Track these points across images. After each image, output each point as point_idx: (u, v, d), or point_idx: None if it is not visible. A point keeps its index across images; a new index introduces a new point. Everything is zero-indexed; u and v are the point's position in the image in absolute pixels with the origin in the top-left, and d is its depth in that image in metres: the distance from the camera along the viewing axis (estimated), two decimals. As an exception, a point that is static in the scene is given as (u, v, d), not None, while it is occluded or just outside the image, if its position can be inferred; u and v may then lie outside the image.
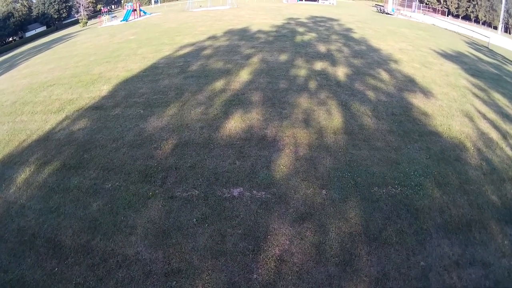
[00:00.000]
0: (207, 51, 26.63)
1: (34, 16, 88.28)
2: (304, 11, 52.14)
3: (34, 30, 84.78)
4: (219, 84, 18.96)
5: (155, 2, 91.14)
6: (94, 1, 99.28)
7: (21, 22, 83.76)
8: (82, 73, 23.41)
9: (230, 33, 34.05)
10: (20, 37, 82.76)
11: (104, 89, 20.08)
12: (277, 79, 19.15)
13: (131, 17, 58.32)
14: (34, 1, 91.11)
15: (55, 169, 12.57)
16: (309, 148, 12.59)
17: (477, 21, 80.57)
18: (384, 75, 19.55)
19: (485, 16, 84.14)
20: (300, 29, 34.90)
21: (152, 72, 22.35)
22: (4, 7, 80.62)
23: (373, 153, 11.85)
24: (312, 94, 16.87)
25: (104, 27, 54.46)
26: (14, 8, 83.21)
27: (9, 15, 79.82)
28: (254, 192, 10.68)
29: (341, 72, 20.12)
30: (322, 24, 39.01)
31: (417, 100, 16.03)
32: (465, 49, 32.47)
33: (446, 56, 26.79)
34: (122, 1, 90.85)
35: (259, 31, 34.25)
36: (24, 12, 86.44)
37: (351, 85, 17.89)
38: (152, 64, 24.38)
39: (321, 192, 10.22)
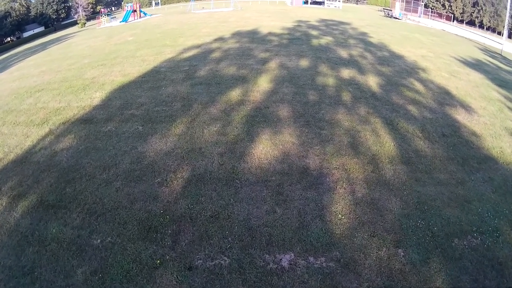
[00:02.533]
0: (216, 54, 23.42)
1: (32, 16, 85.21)
2: (312, 14, 49.51)
3: (32, 31, 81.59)
4: (234, 94, 15.71)
5: (155, 4, 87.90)
6: (94, 2, 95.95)
7: (18, 22, 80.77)
8: (74, 77, 20.82)
9: (238, 35, 31.01)
10: (17, 38, 79.63)
11: (96, 96, 16.86)
12: (304, 89, 16.21)
13: (130, 18, 55.09)
14: (33, 1, 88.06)
15: (31, 207, 9.38)
16: (367, 185, 9.70)
17: (481, 26, 78.89)
18: (418, 86, 17.75)
19: (489, 22, 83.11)
20: (314, 32, 32.18)
21: (153, 78, 19.03)
22: (2, 6, 77.56)
23: (440, 190, 9.74)
24: (350, 109, 14.21)
25: (103, 28, 51.72)
26: (11, 7, 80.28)
27: (6, 15, 76.75)
28: (311, 259, 7.43)
29: (372, 81, 17.74)
30: (334, 27, 36.46)
31: (461, 117, 14.47)
32: (482, 56, 31.22)
33: (468, 64, 25.35)
34: (122, 3, 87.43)
35: (270, 34, 31.19)
36: (22, 12, 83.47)
37: (389, 98, 15.63)
38: (152, 68, 21.14)
39: (397, 252, 7.64)
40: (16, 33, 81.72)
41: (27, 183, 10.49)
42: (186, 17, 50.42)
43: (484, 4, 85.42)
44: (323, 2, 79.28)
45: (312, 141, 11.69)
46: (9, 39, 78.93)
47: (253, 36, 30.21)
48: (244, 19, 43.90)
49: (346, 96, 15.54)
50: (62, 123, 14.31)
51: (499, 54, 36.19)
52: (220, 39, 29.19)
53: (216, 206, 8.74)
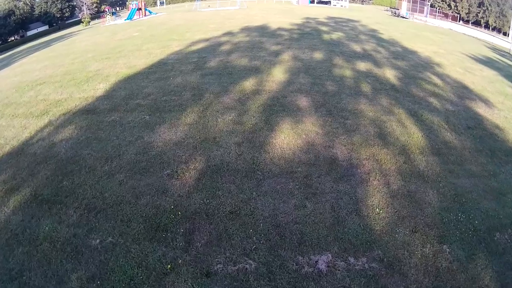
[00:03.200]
0: (225, 47, 22.33)
1: (36, 15, 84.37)
2: (319, 12, 48.89)
3: (35, 29, 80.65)
4: (248, 84, 14.56)
5: (160, 3, 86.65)
6: (98, 2, 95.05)
7: (22, 20, 79.94)
8: (77, 70, 19.54)
9: (247, 30, 29.99)
10: (21, 36, 78.81)
11: (100, 88, 15.69)
12: (321, 80, 15.17)
13: (135, 16, 54.04)
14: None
15: (23, 202, 8.18)
16: (401, 177, 8.71)
17: (487, 26, 77.95)
18: (436, 80, 17.27)
19: (495, 22, 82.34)
20: (324, 28, 31.31)
21: (160, 69, 17.84)
22: (6, 4, 76.71)
23: (474, 182, 9.14)
24: (371, 100, 13.34)
25: (107, 26, 50.76)
26: (15, 6, 79.49)
27: (10, 13, 75.89)
28: (351, 260, 6.30)
29: (389, 74, 17.04)
30: (343, 24, 35.95)
31: (482, 110, 14.00)
32: (492, 54, 31.03)
33: (479, 61, 25.11)
34: (126, 3, 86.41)
35: (280, 29, 30.12)
36: (26, 10, 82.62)
37: (409, 90, 15.00)
38: (159, 60, 19.99)
39: (442, 249, 6.80)
40: (20, 31, 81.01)
41: (22, 176, 9.30)
42: (191, 15, 49.79)
43: (489, 5, 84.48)
44: (330, 1, 78.84)
45: (337, 131, 10.63)
46: (12, 38, 78.14)
47: (262, 31, 29.15)
48: (251, 16, 43.06)
49: (365, 88, 14.68)
50: (63, 114, 13.14)
51: (507, 53, 36.36)
52: (229, 33, 28.11)
53: (236, 201, 7.48)
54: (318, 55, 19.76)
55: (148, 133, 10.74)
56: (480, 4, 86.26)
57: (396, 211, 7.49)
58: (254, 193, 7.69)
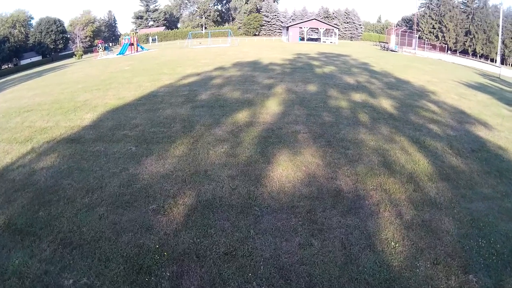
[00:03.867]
0: (217, 81, 22.05)
1: (30, 45, 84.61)
2: (310, 49, 49.91)
3: (29, 59, 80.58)
4: (241, 116, 13.97)
5: (152, 40, 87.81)
6: (92, 36, 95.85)
7: (16, 48, 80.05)
8: (66, 99, 19.32)
9: (239, 65, 29.93)
10: (15, 64, 78.59)
11: (87, 117, 15.02)
12: (317, 111, 14.74)
13: (127, 51, 53.93)
14: (32, 29, 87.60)
15: None
16: (413, 206, 7.99)
17: (474, 54, 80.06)
18: (433, 107, 17.07)
19: (482, 49, 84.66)
20: (316, 63, 31.72)
21: (150, 101, 17.29)
22: (1, 30, 76.81)
23: (488, 204, 8.61)
24: (371, 129, 12.87)
25: (99, 60, 51.11)
26: (10, 33, 79.75)
27: (4, 40, 75.90)
28: None
29: (386, 104, 16.82)
30: (335, 58, 36.59)
31: (483, 133, 13.86)
32: (483, 80, 31.92)
33: (472, 87, 25.71)
34: (119, 39, 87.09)
35: (272, 64, 30.23)
36: (20, 39, 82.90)
37: (407, 118, 14.69)
38: (149, 92, 19.54)
39: (468, 279, 6.11)
40: (14, 59, 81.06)
41: (-2, 202, 8.34)
42: (183, 51, 50.05)
43: (476, 32, 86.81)
44: (319, 38, 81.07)
45: (339, 162, 9.90)
46: (6, 66, 77.94)
47: (254, 66, 29.09)
48: (242, 52, 43.40)
49: (363, 117, 14.28)
50: (47, 141, 12.43)
51: (497, 77, 37.57)
52: (220, 68, 28.01)
53: (231, 240, 6.55)
54: (312, 88, 19.53)
55: (133, 164, 9.88)
56: (467, 33, 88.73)
57: (413, 243, 6.71)
58: (252, 231, 6.80)
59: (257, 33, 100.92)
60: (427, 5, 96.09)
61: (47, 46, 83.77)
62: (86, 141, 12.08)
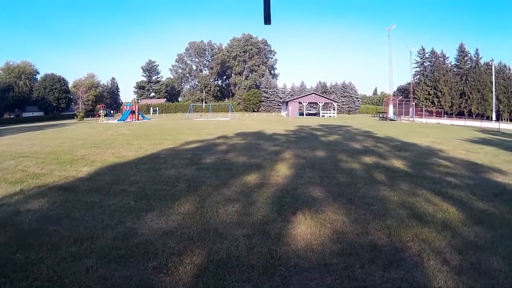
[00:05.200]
0: (221, 147, 21.53)
1: (34, 99, 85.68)
2: (310, 122, 50.64)
3: (31, 113, 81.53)
4: (251, 178, 12.91)
5: (153, 111, 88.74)
6: (94, 100, 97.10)
7: (20, 99, 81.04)
8: (63, 152, 19.09)
9: (242, 134, 29.70)
10: (17, 115, 78.93)
11: (83, 170, 14.13)
12: (330, 173, 13.93)
13: (128, 119, 53.85)
14: (37, 83, 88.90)
15: None
16: (457, 252, 7.02)
17: (470, 115, 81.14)
18: (445, 162, 16.73)
19: (477, 109, 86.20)
20: (319, 133, 32.03)
21: (151, 161, 16.39)
22: (7, 78, 77.91)
23: None
24: (390, 186, 12.10)
25: (100, 123, 51.83)
26: (15, 83, 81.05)
27: (9, 88, 77.02)
28: None
29: (398, 163, 16.29)
30: (337, 129, 37.12)
31: (500, 179, 13.50)
32: (484, 136, 33.18)
33: (476, 142, 26.57)
34: (120, 107, 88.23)
35: (275, 134, 30.23)
36: (24, 90, 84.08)
37: (423, 174, 14.04)
38: (150, 153, 18.83)
39: None
40: (16, 110, 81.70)
41: (-28, 238, 7.02)
42: (185, 122, 50.79)
43: (470, 93, 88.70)
44: (318, 112, 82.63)
45: (366, 217, 8.82)
46: (8, 116, 78.45)
47: (258, 135, 28.94)
48: (244, 124, 44.00)
49: (379, 176, 13.56)
50: (38, 186, 11.58)
51: (497, 131, 40.07)
52: (224, 137, 27.77)
53: None
54: (320, 153, 18.96)
55: (131, 218, 8.53)
56: (462, 94, 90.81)
57: (471, 282, 5.74)
58: None
59: (256, 109, 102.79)
60: (422, 72, 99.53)
61: (50, 102, 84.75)
62: (80, 191, 10.95)
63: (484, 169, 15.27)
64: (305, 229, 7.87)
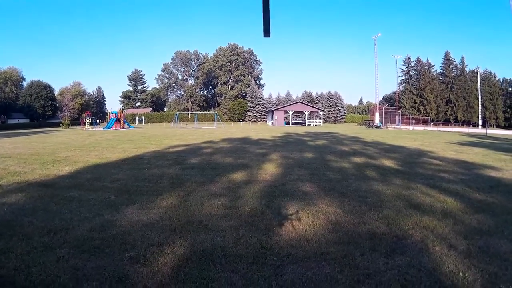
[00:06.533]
0: (207, 150, 21.04)
1: (20, 106, 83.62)
2: (297, 129, 50.62)
3: (17, 119, 79.41)
4: (237, 176, 12.38)
5: (139, 120, 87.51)
6: (80, 108, 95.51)
7: (6, 106, 78.84)
8: (46, 153, 18.81)
9: (228, 140, 29.36)
10: (2, 122, 76.71)
11: (65, 169, 13.56)
12: (319, 171, 13.45)
13: (114, 127, 52.77)
14: (23, 90, 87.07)
15: None
16: (462, 237, 6.65)
17: (456, 122, 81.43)
18: (436, 161, 16.60)
19: (464, 116, 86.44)
20: (306, 138, 31.71)
21: (135, 162, 15.80)
22: None
23: None
24: (383, 181, 11.65)
25: (85, 131, 51.09)
26: (1, 88, 79.19)
27: None
28: None
29: (388, 163, 15.89)
30: (324, 135, 37.09)
31: (494, 173, 13.50)
32: (472, 139, 33.25)
33: (465, 144, 26.50)
34: (106, 116, 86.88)
35: (262, 140, 29.81)
36: (11, 97, 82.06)
37: (415, 172, 13.67)
38: (134, 155, 18.32)
39: None
40: (2, 116, 79.67)
41: None
42: (170, 130, 50.22)
43: (456, 100, 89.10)
44: (304, 122, 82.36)
45: (361, 209, 8.34)
46: None
47: (244, 141, 28.59)
48: (230, 132, 43.72)
49: (370, 173, 13.15)
50: (17, 182, 11.20)
51: (484, 135, 40.49)
52: (210, 142, 27.44)
53: None
54: (308, 155, 18.54)
55: (111, 211, 7.89)
56: (448, 102, 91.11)
57: (483, 270, 5.20)
58: (274, 283, 4.73)
59: (242, 119, 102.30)
60: (407, 80, 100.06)
61: (35, 110, 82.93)
62: (60, 188, 10.41)
63: (476, 167, 15.10)
64: (297, 221, 7.33)
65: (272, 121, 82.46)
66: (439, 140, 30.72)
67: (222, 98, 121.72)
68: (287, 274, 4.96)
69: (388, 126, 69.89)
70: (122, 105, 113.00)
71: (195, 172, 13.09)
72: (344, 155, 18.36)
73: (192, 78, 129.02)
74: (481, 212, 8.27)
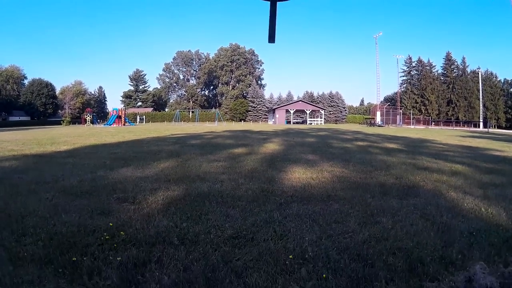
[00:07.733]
0: (208, 136, 20.97)
1: (21, 103, 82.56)
2: (298, 127, 50.16)
3: (18, 117, 78.31)
4: (238, 150, 12.05)
5: (140, 119, 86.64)
6: (81, 107, 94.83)
7: (7, 103, 78.00)
8: (45, 139, 18.42)
9: (230, 131, 29.17)
10: (3, 119, 76.06)
11: (63, 148, 13.11)
12: (322, 149, 12.89)
13: (114, 124, 52.03)
14: (24, 88, 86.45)
15: None
16: (476, 186, 6.44)
17: (457, 122, 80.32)
18: (439, 146, 16.09)
19: (465, 116, 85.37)
20: (308, 132, 30.49)
21: (134, 143, 15.56)
22: None
23: None
24: (388, 155, 11.30)
25: (87, 127, 49.75)
26: (3, 86, 78.44)
27: None
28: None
29: (392, 146, 15.48)
30: (326, 130, 36.13)
31: (498, 153, 13.20)
32: (473, 134, 32.41)
33: (468, 137, 25.58)
34: (107, 116, 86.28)
35: (263, 131, 29.30)
36: (12, 94, 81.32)
37: (420, 151, 13.29)
38: (134, 139, 18.07)
39: None
40: (3, 114, 78.94)
41: None
42: (171, 126, 49.94)
43: (457, 100, 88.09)
44: (305, 120, 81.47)
45: (367, 169, 7.97)
46: None
47: (245, 131, 28.29)
48: (231, 127, 43.78)
49: (374, 151, 12.74)
50: (14, 155, 10.91)
51: (486, 133, 39.07)
52: (211, 132, 27.08)
53: (244, 224, 3.95)
54: (310, 140, 18.13)
55: (104, 171, 7.48)
56: (449, 102, 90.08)
57: (504, 206, 4.96)
58: (277, 214, 4.25)
59: (243, 118, 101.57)
60: (409, 81, 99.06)
61: (36, 107, 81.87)
62: (55, 157, 10.26)
63: (481, 149, 14.72)
64: (299, 176, 6.87)
65: (273, 120, 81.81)
66: (441, 135, 30.17)
67: (224, 98, 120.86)
68: (291, 209, 4.53)
69: (390, 125, 69.21)
70: (123, 105, 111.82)
71: (195, 148, 12.70)
72: (347, 141, 17.93)
73: (193, 78, 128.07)
74: (491, 174, 7.94)
